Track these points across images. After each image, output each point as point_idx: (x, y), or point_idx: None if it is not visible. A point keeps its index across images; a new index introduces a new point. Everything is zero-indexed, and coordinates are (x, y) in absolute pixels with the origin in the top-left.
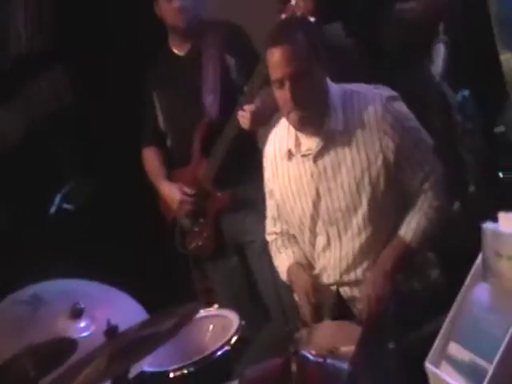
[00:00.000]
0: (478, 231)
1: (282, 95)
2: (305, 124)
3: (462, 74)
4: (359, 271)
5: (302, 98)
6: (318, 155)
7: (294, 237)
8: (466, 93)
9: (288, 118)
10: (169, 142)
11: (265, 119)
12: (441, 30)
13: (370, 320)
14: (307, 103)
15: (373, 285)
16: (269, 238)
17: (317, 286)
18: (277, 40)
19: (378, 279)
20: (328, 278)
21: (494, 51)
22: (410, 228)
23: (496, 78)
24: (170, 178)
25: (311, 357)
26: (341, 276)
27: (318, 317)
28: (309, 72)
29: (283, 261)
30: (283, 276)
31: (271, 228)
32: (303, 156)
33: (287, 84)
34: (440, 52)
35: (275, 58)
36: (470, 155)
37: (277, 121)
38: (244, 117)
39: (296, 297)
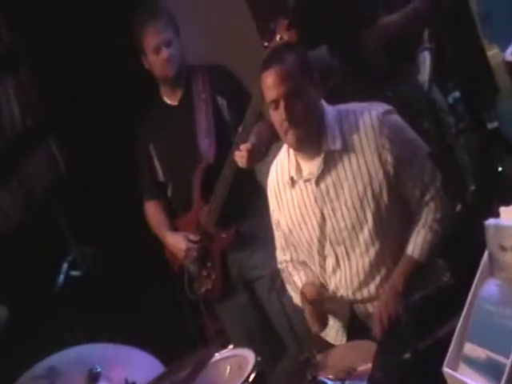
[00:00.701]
0: (483, 229)
1: (278, 116)
2: (302, 144)
3: (450, 77)
4: (372, 287)
5: (297, 117)
6: (320, 178)
7: (305, 262)
8: (457, 94)
9: (286, 140)
10: (169, 192)
11: (261, 154)
12: (425, 38)
13: (383, 338)
14: (303, 122)
15: (385, 305)
16: (280, 266)
17: (327, 297)
18: (268, 64)
19: (391, 299)
20: (341, 298)
21: (480, 49)
22: (417, 245)
23: (485, 75)
24: (174, 226)
25: (329, 381)
26: (353, 294)
27: (323, 323)
28: (302, 91)
29: (296, 283)
30: (296, 299)
31: (281, 257)
32: (305, 181)
33: (282, 104)
34: (426, 59)
35: (269, 81)
36: (466, 155)
37: (274, 154)
38: (241, 156)
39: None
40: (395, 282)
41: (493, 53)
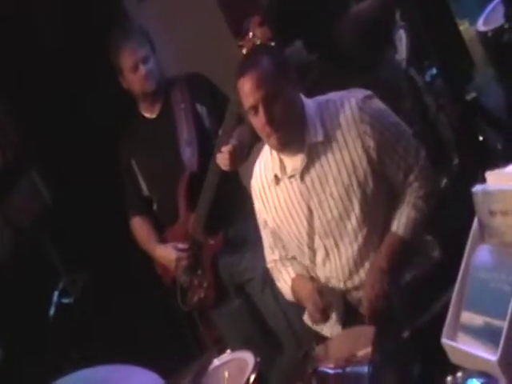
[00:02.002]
0: (470, 201)
1: (258, 121)
2: (285, 145)
3: (426, 54)
4: (362, 274)
5: (277, 119)
6: (304, 172)
7: (294, 258)
8: (434, 71)
9: (268, 143)
10: (155, 206)
11: (243, 156)
12: (398, 17)
13: (373, 319)
14: (284, 123)
15: (371, 285)
16: (269, 266)
17: (322, 289)
18: (244, 70)
19: (376, 278)
20: (332, 288)
21: (453, 24)
22: (401, 223)
23: (460, 49)
24: (162, 239)
25: (330, 370)
26: (345, 283)
27: (326, 317)
28: (280, 92)
29: (285, 278)
30: (288, 295)
31: (270, 257)
32: (290, 177)
33: (261, 109)
34: (402, 38)
35: (245, 87)
36: (447, 130)
37: (257, 155)
38: (223, 158)
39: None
40: (380, 260)
41: (463, 28)
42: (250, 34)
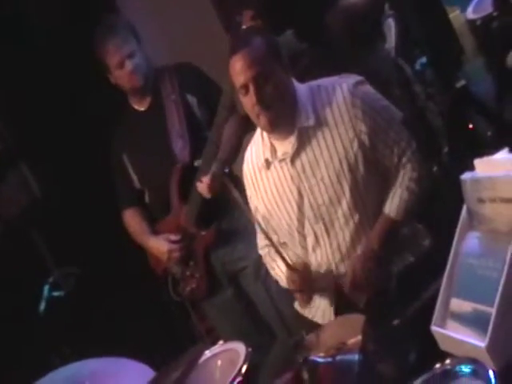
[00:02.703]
0: (460, 188)
1: (249, 100)
2: (275, 125)
3: (415, 43)
4: None
5: (267, 99)
6: (295, 156)
7: (285, 244)
8: (424, 60)
9: (258, 123)
10: (147, 198)
11: (222, 182)
12: (386, 6)
13: (354, 290)
14: (274, 103)
15: (360, 261)
16: (261, 252)
17: (306, 271)
18: (236, 48)
19: (367, 257)
20: (324, 274)
21: (442, 12)
22: (393, 204)
23: (449, 37)
24: (154, 231)
25: (320, 359)
26: (337, 268)
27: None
28: (271, 73)
29: (280, 266)
30: (282, 282)
31: (262, 242)
32: (280, 161)
33: (251, 88)
34: (391, 27)
35: (237, 65)
36: (437, 118)
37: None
38: (202, 188)
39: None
40: (371, 240)
41: (454, 15)
42: (243, 28)
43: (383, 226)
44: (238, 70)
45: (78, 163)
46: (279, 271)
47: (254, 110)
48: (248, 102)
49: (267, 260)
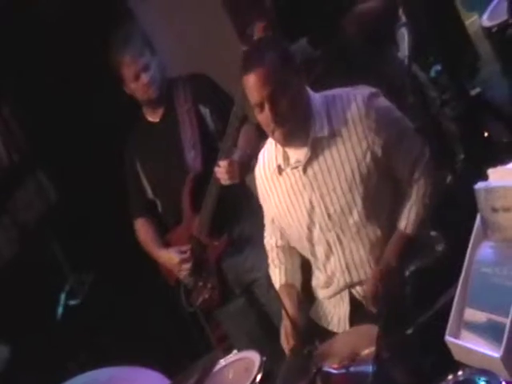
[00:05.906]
0: (473, 196)
1: (264, 118)
2: (290, 139)
3: (430, 50)
4: (367, 268)
5: (283, 116)
6: (307, 165)
7: (293, 248)
8: (439, 67)
9: (273, 138)
10: (159, 208)
11: (244, 170)
12: (400, 14)
13: (375, 301)
14: (289, 119)
15: (380, 280)
16: (268, 246)
17: (299, 330)
18: (248, 66)
19: (386, 274)
20: (338, 282)
21: (457, 18)
22: (410, 221)
23: (464, 43)
24: (166, 241)
25: (334, 370)
26: (350, 276)
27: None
28: (286, 87)
29: (276, 277)
30: (277, 285)
31: (267, 238)
32: (293, 169)
33: (267, 106)
34: (404, 35)
35: (251, 84)
36: (452, 125)
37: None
38: (220, 172)
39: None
40: (389, 258)
41: (472, 20)
42: (255, 36)
43: (399, 242)
44: (252, 87)
45: (94, 169)
46: (274, 279)
47: (269, 127)
48: (264, 120)
49: (270, 257)
